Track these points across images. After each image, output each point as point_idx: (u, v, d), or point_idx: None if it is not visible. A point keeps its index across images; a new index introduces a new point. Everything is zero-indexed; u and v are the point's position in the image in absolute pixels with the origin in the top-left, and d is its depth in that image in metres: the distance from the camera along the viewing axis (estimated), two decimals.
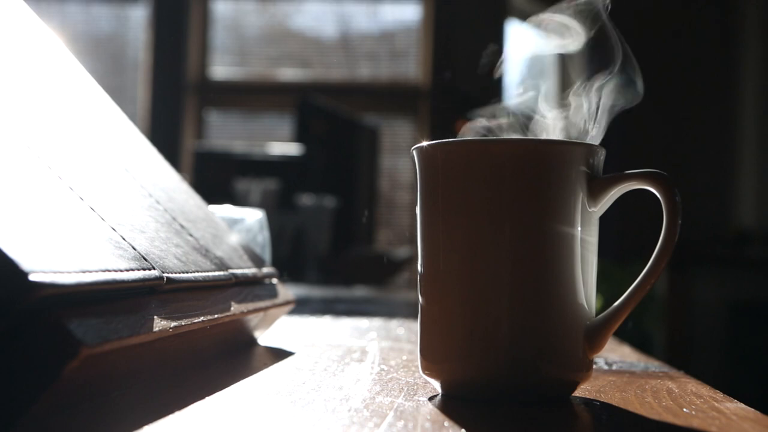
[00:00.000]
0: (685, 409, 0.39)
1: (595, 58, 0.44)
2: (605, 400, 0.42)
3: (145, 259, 0.41)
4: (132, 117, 0.71)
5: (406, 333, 0.73)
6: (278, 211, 2.03)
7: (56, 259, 0.32)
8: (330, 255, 2.15)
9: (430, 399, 0.41)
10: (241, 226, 0.73)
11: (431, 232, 0.43)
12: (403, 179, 3.66)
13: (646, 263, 0.41)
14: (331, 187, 2.42)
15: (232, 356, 0.55)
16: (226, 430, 0.33)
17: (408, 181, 3.62)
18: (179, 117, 3.65)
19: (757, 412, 0.39)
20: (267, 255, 0.74)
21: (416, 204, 0.44)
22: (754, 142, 3.56)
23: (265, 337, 0.64)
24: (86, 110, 0.56)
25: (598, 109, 0.44)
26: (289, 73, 3.75)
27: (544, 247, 0.40)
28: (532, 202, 0.40)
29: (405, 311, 1.04)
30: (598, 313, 0.42)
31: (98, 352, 0.31)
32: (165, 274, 0.41)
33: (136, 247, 0.41)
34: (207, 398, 0.39)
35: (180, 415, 0.35)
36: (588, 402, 0.41)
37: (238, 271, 0.56)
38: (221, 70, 3.77)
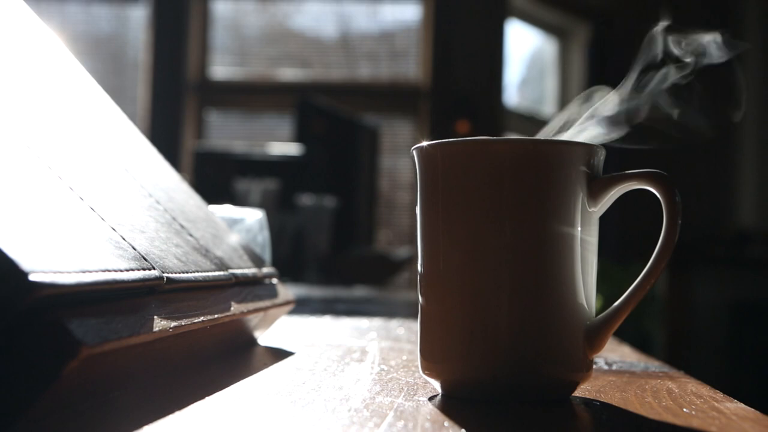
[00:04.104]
0: (685, 409, 0.39)
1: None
2: (605, 400, 0.42)
3: (145, 259, 0.41)
4: (132, 117, 0.71)
5: (406, 333, 0.73)
6: (278, 211, 2.03)
7: (56, 259, 0.32)
8: (330, 255, 2.15)
9: (430, 399, 0.41)
10: (241, 226, 0.73)
11: (431, 232, 0.43)
12: (403, 179, 3.66)
13: (646, 263, 0.41)
14: (331, 187, 2.42)
15: (232, 356, 0.55)
16: (226, 430, 0.33)
17: (408, 181, 3.62)
18: (179, 117, 3.65)
19: (757, 412, 0.39)
20: (267, 255, 0.74)
21: (416, 204, 0.44)
22: (754, 142, 3.56)
23: (265, 337, 0.64)
24: (86, 110, 0.56)
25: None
26: (289, 73, 3.75)
27: (544, 247, 0.40)
28: (532, 202, 0.40)
29: (405, 311, 1.04)
30: (598, 313, 0.42)
31: (98, 352, 0.31)
32: (165, 274, 0.41)
33: (136, 247, 0.41)
34: (207, 398, 0.39)
35: (180, 415, 0.35)
36: (588, 402, 0.41)
37: (238, 271, 0.56)
38: (221, 70, 3.77)
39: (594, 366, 0.45)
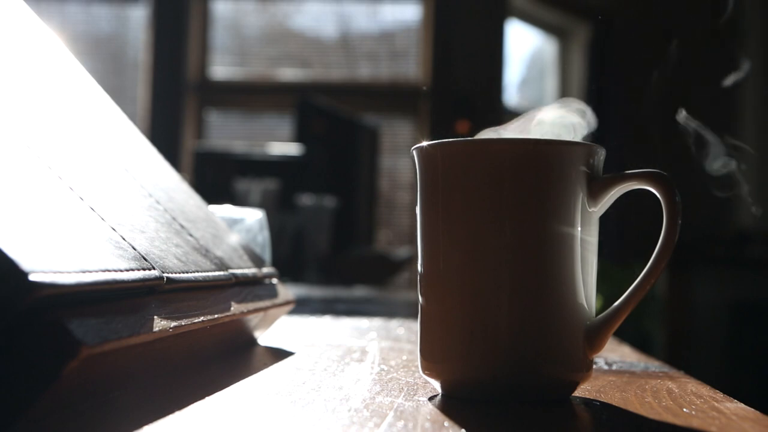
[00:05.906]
0: (685, 409, 0.39)
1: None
2: (605, 400, 0.42)
3: (145, 259, 0.41)
4: (132, 117, 0.71)
5: (406, 333, 0.73)
6: (278, 211, 2.03)
7: (56, 259, 0.32)
8: (330, 255, 2.15)
9: (430, 399, 0.41)
10: (241, 226, 0.73)
11: (431, 232, 0.43)
12: (403, 179, 3.66)
13: (646, 263, 0.41)
14: (331, 187, 2.42)
15: (232, 356, 0.55)
16: (226, 430, 0.33)
17: (408, 181, 3.62)
18: (179, 117, 3.65)
19: (757, 412, 0.39)
20: (267, 255, 0.74)
21: (416, 204, 0.44)
22: (754, 143, 3.56)
23: (265, 337, 0.64)
24: (86, 110, 0.56)
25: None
26: (289, 73, 3.75)
27: (544, 247, 0.40)
28: (532, 202, 0.40)
29: (405, 311, 1.04)
30: (598, 313, 0.42)
31: (98, 352, 0.31)
32: (165, 274, 0.41)
33: (136, 247, 0.41)
34: (207, 398, 0.39)
35: (180, 415, 0.35)
36: (588, 402, 0.41)
37: (238, 271, 0.56)
38: (221, 70, 3.77)
39: (594, 366, 0.45)
